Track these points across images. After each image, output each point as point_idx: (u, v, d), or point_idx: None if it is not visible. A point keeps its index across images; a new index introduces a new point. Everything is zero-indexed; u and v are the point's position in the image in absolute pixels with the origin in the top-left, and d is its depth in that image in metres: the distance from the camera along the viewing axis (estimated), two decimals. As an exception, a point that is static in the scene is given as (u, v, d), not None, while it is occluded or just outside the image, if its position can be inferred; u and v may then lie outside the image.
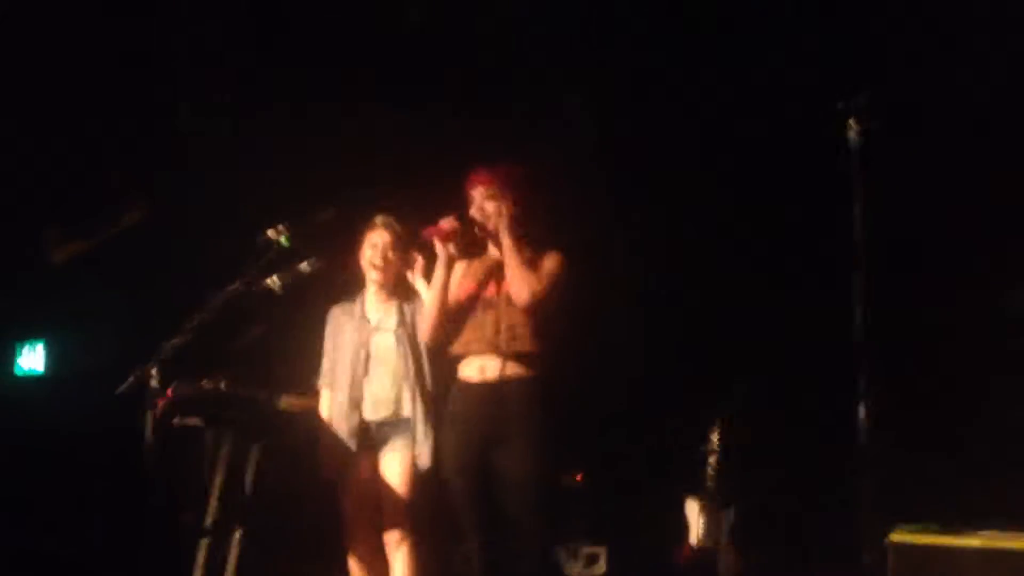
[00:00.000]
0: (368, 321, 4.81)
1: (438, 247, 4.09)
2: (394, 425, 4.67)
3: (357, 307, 4.86)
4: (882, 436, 3.60)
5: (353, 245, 4.85)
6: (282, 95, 6.15)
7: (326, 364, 4.87)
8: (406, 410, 4.66)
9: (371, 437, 4.69)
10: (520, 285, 3.99)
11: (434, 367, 4.65)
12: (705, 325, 6.03)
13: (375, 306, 4.84)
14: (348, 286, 4.93)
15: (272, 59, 6.24)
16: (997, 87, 5.13)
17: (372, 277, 4.80)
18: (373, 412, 4.71)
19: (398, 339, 4.72)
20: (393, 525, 4.64)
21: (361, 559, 4.73)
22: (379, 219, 4.81)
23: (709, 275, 6.00)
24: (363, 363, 4.74)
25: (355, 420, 4.70)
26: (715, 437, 5.61)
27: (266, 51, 6.22)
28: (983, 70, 5.12)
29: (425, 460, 4.62)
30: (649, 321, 6.35)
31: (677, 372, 6.07)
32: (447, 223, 4.08)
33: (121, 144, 5.71)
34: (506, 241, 4.03)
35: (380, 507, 4.66)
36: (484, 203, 4.12)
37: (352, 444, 4.68)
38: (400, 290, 4.84)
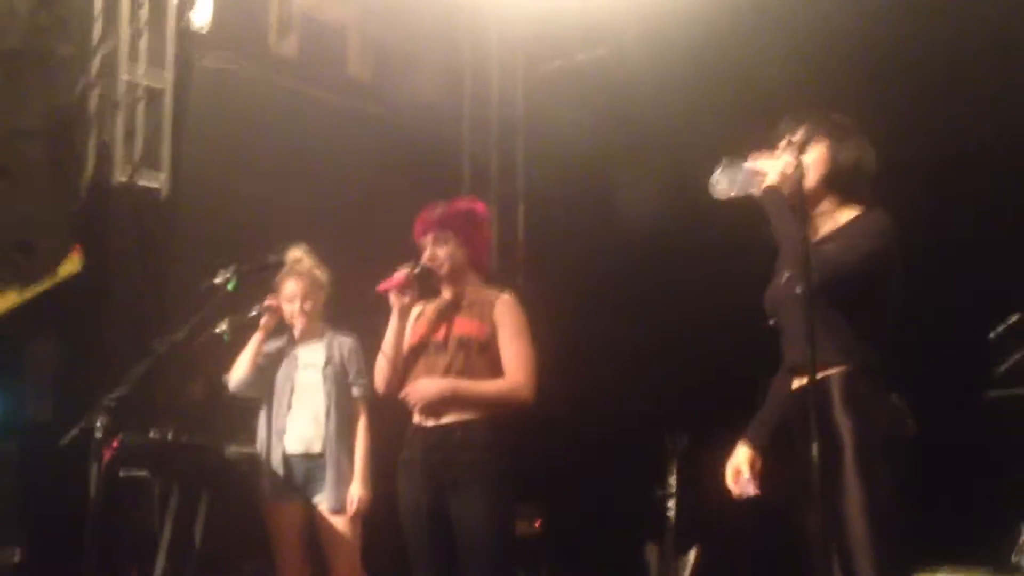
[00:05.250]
0: (296, 357, 4.79)
1: (393, 298, 4.05)
2: (317, 464, 4.64)
3: (288, 343, 4.85)
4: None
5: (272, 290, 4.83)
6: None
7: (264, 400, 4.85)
8: (325, 449, 4.64)
9: (295, 472, 4.65)
10: (518, 397, 3.99)
11: (378, 413, 4.64)
12: (662, 366, 6.03)
13: (303, 343, 4.82)
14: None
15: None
16: None
17: (295, 324, 4.79)
18: (294, 446, 4.68)
19: (325, 377, 4.73)
20: (336, 572, 4.66)
21: None
22: (290, 259, 4.77)
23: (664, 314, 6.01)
24: (287, 396, 4.72)
25: (279, 452, 4.67)
26: (672, 480, 5.57)
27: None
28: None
29: (333, 503, 4.60)
30: (606, 361, 6.34)
31: (635, 415, 6.05)
32: (401, 275, 4.04)
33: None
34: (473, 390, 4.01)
35: (318, 552, 4.67)
36: (436, 249, 4.09)
37: (279, 474, 4.65)
38: (327, 327, 4.83)
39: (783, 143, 3.39)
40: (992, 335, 4.55)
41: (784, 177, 3.29)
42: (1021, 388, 4.57)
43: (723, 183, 3.37)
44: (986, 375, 4.65)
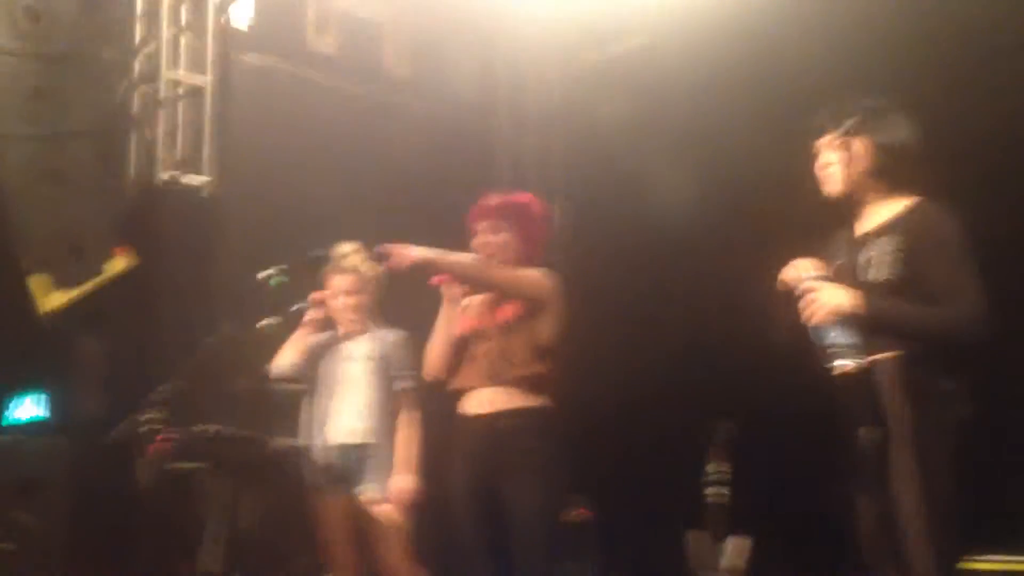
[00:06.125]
0: (343, 349, 4.82)
1: (445, 289, 4.08)
2: (364, 455, 4.69)
3: (335, 336, 4.87)
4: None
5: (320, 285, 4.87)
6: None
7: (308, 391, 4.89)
8: (371, 439, 4.68)
9: (342, 462, 4.70)
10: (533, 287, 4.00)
11: (423, 404, 4.68)
12: (706, 355, 6.01)
13: (350, 337, 4.85)
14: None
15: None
16: None
17: (342, 319, 4.83)
18: (340, 437, 4.70)
19: (370, 369, 4.74)
20: (385, 562, 4.67)
21: None
22: (337, 254, 4.78)
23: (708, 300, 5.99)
24: (333, 387, 4.75)
25: (325, 443, 4.69)
26: (712, 468, 5.58)
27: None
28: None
29: (380, 492, 4.63)
30: (649, 349, 6.34)
31: (681, 404, 6.05)
32: None
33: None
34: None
35: (366, 543, 4.68)
36: (488, 236, 4.10)
37: (326, 465, 4.68)
38: (373, 321, 4.87)
39: (825, 140, 3.35)
40: None
41: (841, 301, 3.16)
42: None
43: (839, 358, 3.16)
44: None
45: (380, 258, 3.90)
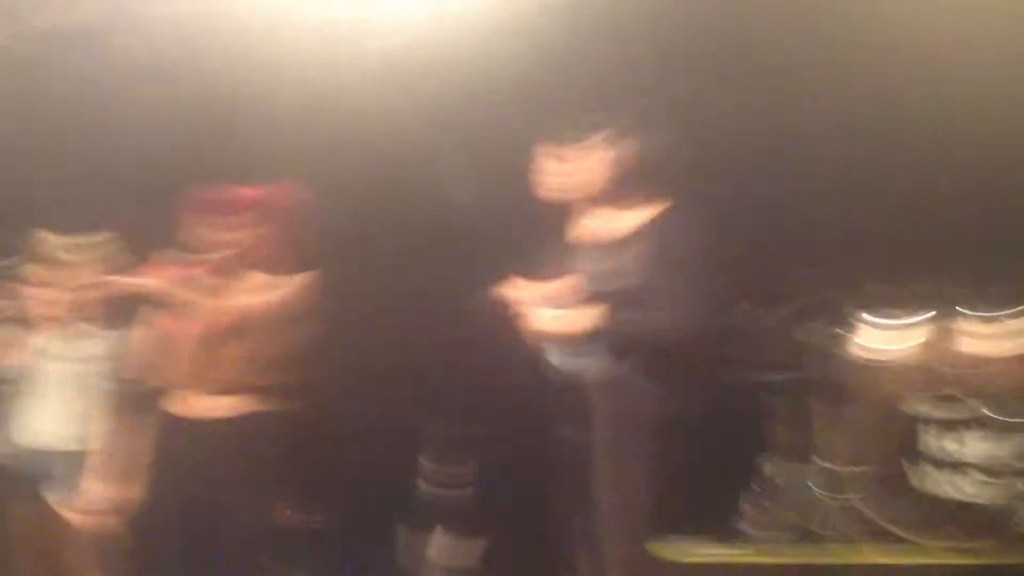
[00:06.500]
0: (57, 347, 4.63)
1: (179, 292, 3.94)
2: (68, 462, 4.49)
3: (48, 332, 4.70)
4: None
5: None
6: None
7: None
8: (79, 445, 4.49)
9: (44, 469, 4.51)
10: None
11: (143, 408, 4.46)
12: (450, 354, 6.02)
13: (66, 334, 4.66)
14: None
15: None
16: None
17: (51, 315, 4.62)
18: (46, 442, 4.53)
19: (85, 371, 4.57)
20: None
21: None
22: (60, 247, 4.60)
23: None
24: (42, 389, 4.58)
25: (26, 447, 4.52)
26: (440, 468, 5.59)
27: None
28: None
29: (82, 503, 4.44)
30: (395, 350, 6.30)
31: (421, 403, 6.03)
32: (180, 263, 3.92)
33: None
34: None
35: (66, 555, 4.52)
36: (226, 234, 3.98)
37: (27, 471, 4.51)
38: (92, 319, 4.66)
39: (575, 147, 3.39)
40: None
41: (577, 325, 3.22)
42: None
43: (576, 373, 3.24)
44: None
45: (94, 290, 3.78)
